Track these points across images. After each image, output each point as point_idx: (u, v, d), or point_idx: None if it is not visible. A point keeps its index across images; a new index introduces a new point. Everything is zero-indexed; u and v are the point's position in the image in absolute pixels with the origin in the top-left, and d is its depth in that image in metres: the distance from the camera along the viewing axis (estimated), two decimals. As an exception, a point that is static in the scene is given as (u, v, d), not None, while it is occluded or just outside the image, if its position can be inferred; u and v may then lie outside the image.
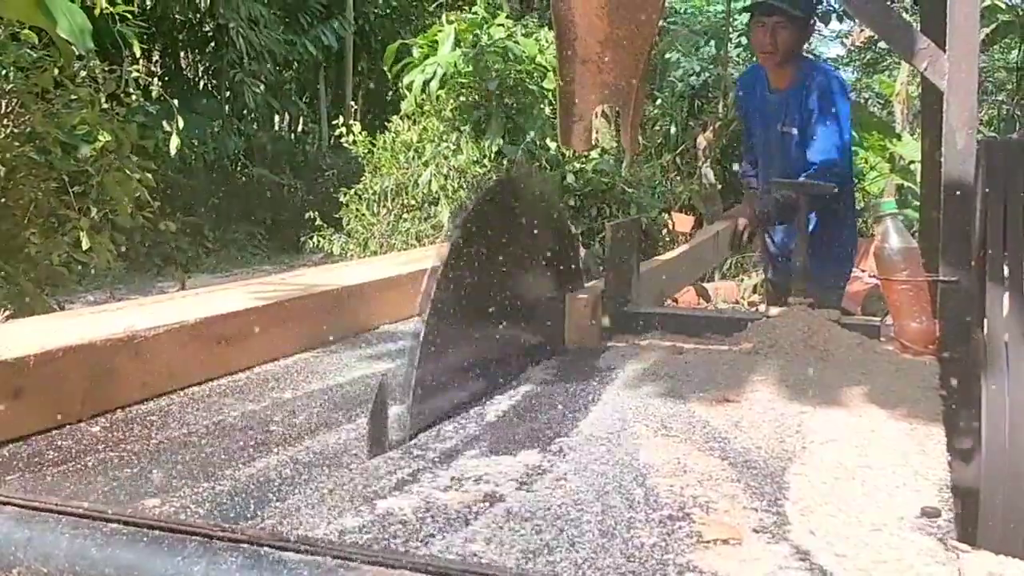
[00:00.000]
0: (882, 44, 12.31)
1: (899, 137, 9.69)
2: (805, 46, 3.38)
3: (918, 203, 7.42)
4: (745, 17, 7.96)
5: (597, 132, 1.86)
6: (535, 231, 1.50)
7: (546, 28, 6.94)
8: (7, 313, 2.12)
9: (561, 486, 0.97)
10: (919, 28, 1.73)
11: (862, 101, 14.24)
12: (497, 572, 0.77)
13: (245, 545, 0.83)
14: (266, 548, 0.82)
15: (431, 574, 0.78)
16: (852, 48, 14.08)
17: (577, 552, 0.80)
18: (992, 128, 10.72)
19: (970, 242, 1.50)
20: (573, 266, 1.67)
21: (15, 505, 0.94)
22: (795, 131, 3.06)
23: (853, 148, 10.09)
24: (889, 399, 1.32)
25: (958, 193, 1.54)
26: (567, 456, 1.07)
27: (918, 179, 8.61)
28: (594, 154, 6.25)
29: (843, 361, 1.55)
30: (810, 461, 1.06)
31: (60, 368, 1.03)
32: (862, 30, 13.28)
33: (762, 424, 1.20)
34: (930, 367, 1.52)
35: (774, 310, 1.75)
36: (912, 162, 9.01)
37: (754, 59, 3.42)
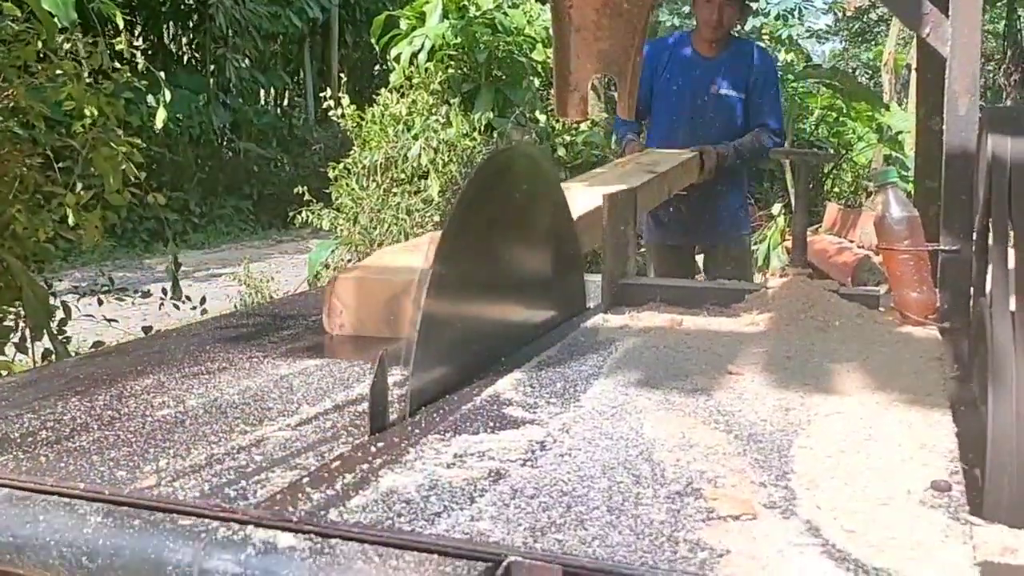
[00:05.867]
0: (871, 15, 12.26)
1: (887, 107, 9.67)
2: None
3: (904, 172, 7.42)
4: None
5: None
6: (533, 204, 1.47)
7: (534, -1, 6.87)
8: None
9: (566, 462, 0.96)
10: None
11: (850, 71, 14.19)
12: (506, 551, 0.75)
13: (247, 527, 0.81)
14: (269, 529, 0.81)
15: (439, 553, 0.76)
16: (841, 18, 14.02)
17: (586, 529, 0.79)
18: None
19: (971, 210, 1.49)
20: (571, 239, 1.65)
21: (8, 487, 0.92)
22: (733, 92, 3.42)
23: (841, 119, 10.06)
24: (892, 370, 1.31)
25: (959, 161, 1.52)
26: (571, 431, 1.06)
27: (906, 149, 8.63)
28: (584, 126, 6.21)
29: (844, 332, 1.54)
30: (815, 434, 1.05)
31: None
32: (851, -2, 13.22)
33: (766, 396, 1.19)
34: (931, 337, 1.51)
35: (773, 281, 1.73)
36: (900, 132, 9.00)
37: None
